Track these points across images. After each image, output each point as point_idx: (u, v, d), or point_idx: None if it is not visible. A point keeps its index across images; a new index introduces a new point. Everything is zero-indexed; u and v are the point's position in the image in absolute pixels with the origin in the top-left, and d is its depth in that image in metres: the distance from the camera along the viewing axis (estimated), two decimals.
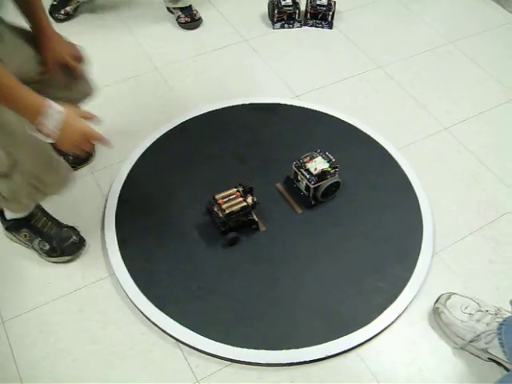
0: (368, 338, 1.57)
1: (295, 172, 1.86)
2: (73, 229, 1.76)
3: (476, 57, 2.56)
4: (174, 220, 1.82)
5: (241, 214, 1.73)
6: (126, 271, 1.68)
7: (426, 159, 2.08)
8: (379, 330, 1.58)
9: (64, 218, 1.78)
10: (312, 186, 1.79)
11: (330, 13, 2.64)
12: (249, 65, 2.47)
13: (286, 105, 2.25)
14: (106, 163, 1.99)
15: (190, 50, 2.53)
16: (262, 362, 1.51)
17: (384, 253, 1.76)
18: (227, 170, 1.97)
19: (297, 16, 2.66)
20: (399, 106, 2.30)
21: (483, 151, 2.12)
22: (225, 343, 1.53)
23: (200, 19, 2.65)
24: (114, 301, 1.65)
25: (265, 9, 2.73)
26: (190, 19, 2.61)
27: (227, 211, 1.69)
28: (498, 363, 1.52)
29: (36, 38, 1.53)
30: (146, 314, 1.59)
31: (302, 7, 2.68)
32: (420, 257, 1.75)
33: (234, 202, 1.72)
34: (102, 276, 1.70)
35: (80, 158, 1.89)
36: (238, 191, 1.75)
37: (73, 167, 1.74)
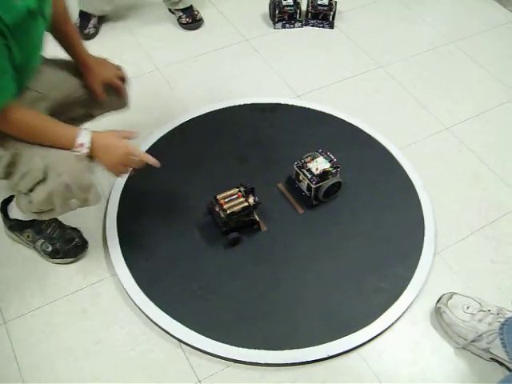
0: (370, 338, 1.57)
1: (297, 172, 1.85)
2: (76, 230, 1.76)
3: (477, 56, 2.56)
4: (175, 220, 1.82)
5: (242, 214, 1.73)
6: (128, 272, 1.68)
7: (428, 159, 2.08)
8: (381, 330, 1.58)
9: (65, 219, 1.78)
10: (313, 186, 1.79)
11: (331, 13, 2.64)
12: (250, 65, 2.47)
13: (287, 105, 2.25)
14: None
15: (191, 50, 2.53)
16: (263, 362, 1.51)
17: (385, 253, 1.76)
18: (228, 170, 1.97)
19: (298, 16, 2.66)
20: (400, 105, 2.30)
21: (484, 151, 2.12)
22: (226, 343, 1.53)
23: (201, 20, 2.65)
24: (115, 301, 1.65)
25: (266, 9, 2.73)
26: (191, 20, 2.62)
27: (229, 211, 1.69)
28: (500, 363, 1.52)
29: (78, 66, 1.65)
30: (147, 314, 1.59)
31: (303, 7, 2.69)
32: (421, 257, 1.75)
33: (235, 202, 1.72)
34: (104, 276, 1.71)
35: None
36: (239, 191, 1.75)
37: None
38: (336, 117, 2.20)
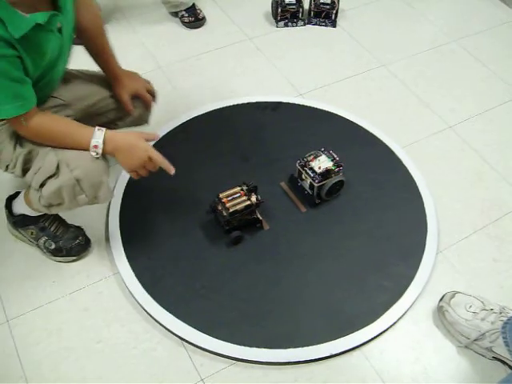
0: (372, 336, 1.57)
1: (299, 170, 1.85)
2: (79, 229, 1.76)
3: (480, 55, 2.55)
4: (178, 219, 1.82)
5: (245, 213, 1.73)
6: (131, 270, 1.68)
7: (430, 157, 2.08)
8: (383, 329, 1.58)
9: (68, 217, 1.78)
10: (316, 185, 1.79)
11: (334, 11, 2.64)
12: (252, 63, 2.47)
13: (289, 103, 2.25)
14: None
15: (193, 48, 2.53)
16: (266, 360, 1.51)
17: (388, 251, 1.76)
18: (231, 168, 1.97)
19: (300, 14, 2.66)
20: (403, 104, 2.30)
21: (487, 149, 2.12)
22: (229, 342, 1.53)
23: (204, 18, 2.65)
24: (118, 300, 1.65)
25: (268, 7, 2.72)
26: (193, 18, 2.62)
27: (231, 210, 1.69)
28: (503, 362, 1.52)
29: (108, 78, 1.70)
30: (150, 312, 1.59)
31: (306, 6, 2.68)
32: (424, 255, 1.74)
33: (238, 200, 1.72)
34: (107, 275, 1.71)
35: None
36: (242, 190, 1.75)
37: None
38: (338, 115, 2.19)
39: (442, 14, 2.83)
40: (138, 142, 1.47)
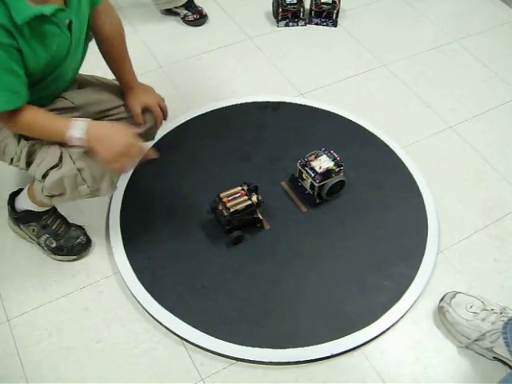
0: (373, 336, 1.57)
1: (300, 170, 1.85)
2: (81, 228, 1.76)
3: (481, 55, 2.55)
4: (178, 218, 1.82)
5: (245, 213, 1.73)
6: (131, 270, 1.68)
7: (431, 158, 2.07)
8: (384, 329, 1.58)
9: (69, 216, 1.78)
10: (317, 185, 1.79)
11: (335, 11, 2.64)
12: (253, 63, 2.47)
13: (290, 103, 2.24)
14: None
15: (194, 48, 2.53)
16: (266, 360, 1.51)
17: (389, 251, 1.76)
18: (232, 168, 1.97)
19: (301, 14, 2.66)
20: (404, 104, 2.30)
21: (488, 150, 2.11)
22: (229, 342, 1.54)
23: (206, 15, 2.65)
24: (118, 299, 1.65)
25: (269, 7, 2.72)
26: (198, 16, 2.62)
27: (232, 210, 1.69)
28: (503, 362, 1.52)
29: (122, 87, 1.70)
30: (150, 312, 1.59)
31: (307, 5, 2.68)
32: (425, 255, 1.74)
33: (238, 200, 1.71)
34: (107, 274, 1.71)
35: None
36: (242, 190, 1.74)
37: None
38: (339, 115, 2.19)
39: (443, 14, 2.83)
40: (118, 130, 1.43)
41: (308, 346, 1.54)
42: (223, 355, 1.53)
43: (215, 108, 2.20)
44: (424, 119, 2.23)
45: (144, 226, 1.80)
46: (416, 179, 1.96)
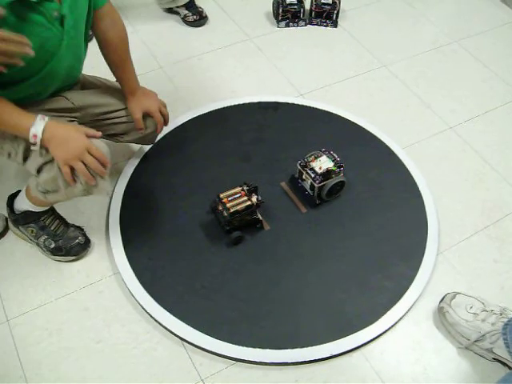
0: (372, 337, 1.57)
1: (300, 171, 1.85)
2: (79, 229, 1.76)
3: (481, 55, 2.55)
4: (178, 219, 1.82)
5: (245, 213, 1.72)
6: (131, 270, 1.68)
7: (431, 158, 2.07)
8: (384, 330, 1.58)
9: (68, 217, 1.78)
10: (317, 185, 1.79)
11: (335, 11, 2.64)
12: (253, 63, 2.46)
13: (290, 103, 2.24)
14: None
15: (194, 48, 2.53)
16: (266, 361, 1.51)
17: (388, 252, 1.76)
18: (232, 168, 1.97)
19: (301, 15, 2.66)
20: (404, 104, 2.30)
21: (488, 150, 2.11)
22: (229, 342, 1.53)
23: (206, 16, 2.65)
24: (118, 299, 1.65)
25: (269, 7, 2.72)
26: (198, 17, 2.61)
27: (232, 210, 1.69)
28: (503, 363, 1.52)
29: (124, 92, 1.71)
30: (150, 312, 1.59)
31: (307, 6, 2.68)
32: (425, 256, 1.74)
33: (238, 200, 1.71)
34: (107, 274, 1.71)
35: None
36: (242, 190, 1.74)
37: None
38: (339, 116, 2.19)
39: (443, 14, 2.83)
40: (77, 134, 1.39)
41: (308, 346, 1.54)
42: (223, 356, 1.53)
43: (215, 108, 2.20)
44: (424, 120, 2.23)
45: (144, 226, 1.80)
46: (416, 180, 1.96)
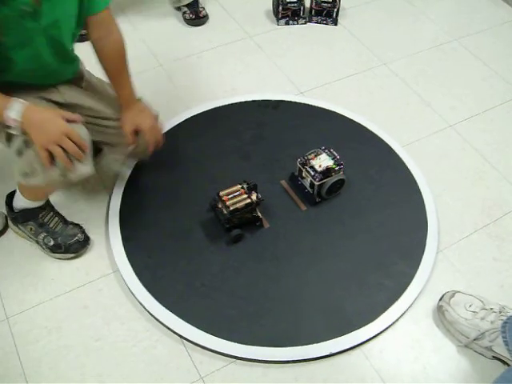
0: (372, 335, 1.57)
1: (300, 169, 1.85)
2: (78, 226, 1.76)
3: (481, 54, 2.55)
4: (178, 217, 1.82)
5: (245, 211, 1.72)
6: (130, 268, 1.68)
7: (431, 156, 2.07)
8: (383, 328, 1.58)
9: (68, 214, 1.78)
10: (316, 183, 1.79)
11: (335, 9, 2.64)
12: (253, 61, 2.46)
13: (290, 101, 2.24)
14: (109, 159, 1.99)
15: (194, 46, 2.53)
16: (266, 359, 1.51)
17: (388, 250, 1.76)
18: (231, 166, 1.97)
19: (301, 12, 2.66)
20: (404, 102, 2.30)
21: (488, 149, 2.11)
22: (229, 340, 1.53)
23: (205, 17, 2.64)
24: (117, 297, 1.65)
25: (269, 5, 2.72)
26: (194, 16, 2.61)
27: (231, 208, 1.69)
28: (503, 361, 1.52)
29: (120, 103, 1.68)
30: (149, 310, 1.59)
31: (307, 4, 2.68)
32: (424, 254, 1.74)
33: (238, 198, 1.71)
34: (106, 272, 1.71)
35: None
36: (242, 188, 1.74)
37: None
38: (339, 114, 2.19)
39: (443, 12, 2.83)
40: (55, 118, 1.37)
41: (307, 344, 1.53)
42: (222, 354, 1.53)
43: (215, 106, 2.20)
44: (424, 118, 2.23)
45: (143, 224, 1.80)
46: (416, 178, 1.96)
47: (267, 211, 1.82)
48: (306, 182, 1.86)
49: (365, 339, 1.56)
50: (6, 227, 1.79)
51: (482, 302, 1.56)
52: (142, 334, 1.57)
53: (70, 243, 1.70)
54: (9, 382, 1.48)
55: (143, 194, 1.88)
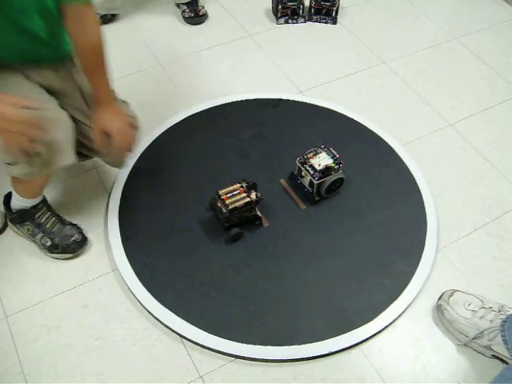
0: (371, 334, 1.57)
1: (299, 168, 1.85)
2: (76, 227, 1.75)
3: (480, 53, 2.55)
4: (177, 216, 1.82)
5: (244, 210, 1.72)
6: (130, 267, 1.68)
7: (431, 155, 2.07)
8: (383, 327, 1.58)
9: (66, 213, 1.78)
10: (316, 182, 1.79)
11: (335, 8, 2.63)
12: (253, 60, 2.46)
13: (289, 100, 2.24)
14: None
15: (193, 45, 2.53)
16: (265, 357, 1.51)
17: (388, 249, 1.76)
18: (231, 165, 1.97)
19: (301, 11, 2.65)
20: (403, 101, 2.29)
21: (488, 148, 2.11)
22: (228, 339, 1.53)
23: (204, 15, 2.64)
24: (117, 296, 1.65)
25: (269, 4, 2.72)
26: (193, 14, 2.61)
27: (231, 207, 1.69)
28: (502, 360, 1.52)
29: (94, 101, 1.56)
30: (149, 309, 1.59)
31: (306, 2, 2.68)
32: (424, 253, 1.74)
33: (237, 197, 1.71)
34: (106, 271, 1.70)
35: None
36: (241, 187, 1.74)
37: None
38: (339, 113, 2.19)
39: (443, 11, 2.83)
40: (9, 109, 1.19)
41: (307, 343, 1.53)
42: (222, 352, 1.52)
43: (214, 105, 2.20)
44: (424, 117, 2.23)
45: (142, 222, 1.80)
46: (415, 177, 1.96)
47: (266, 210, 1.82)
48: (306, 181, 1.86)
49: (364, 338, 1.56)
50: (5, 226, 1.79)
51: (481, 300, 1.56)
52: (141, 333, 1.57)
53: (67, 243, 1.70)
54: (8, 381, 1.48)
55: (142, 193, 1.88)
